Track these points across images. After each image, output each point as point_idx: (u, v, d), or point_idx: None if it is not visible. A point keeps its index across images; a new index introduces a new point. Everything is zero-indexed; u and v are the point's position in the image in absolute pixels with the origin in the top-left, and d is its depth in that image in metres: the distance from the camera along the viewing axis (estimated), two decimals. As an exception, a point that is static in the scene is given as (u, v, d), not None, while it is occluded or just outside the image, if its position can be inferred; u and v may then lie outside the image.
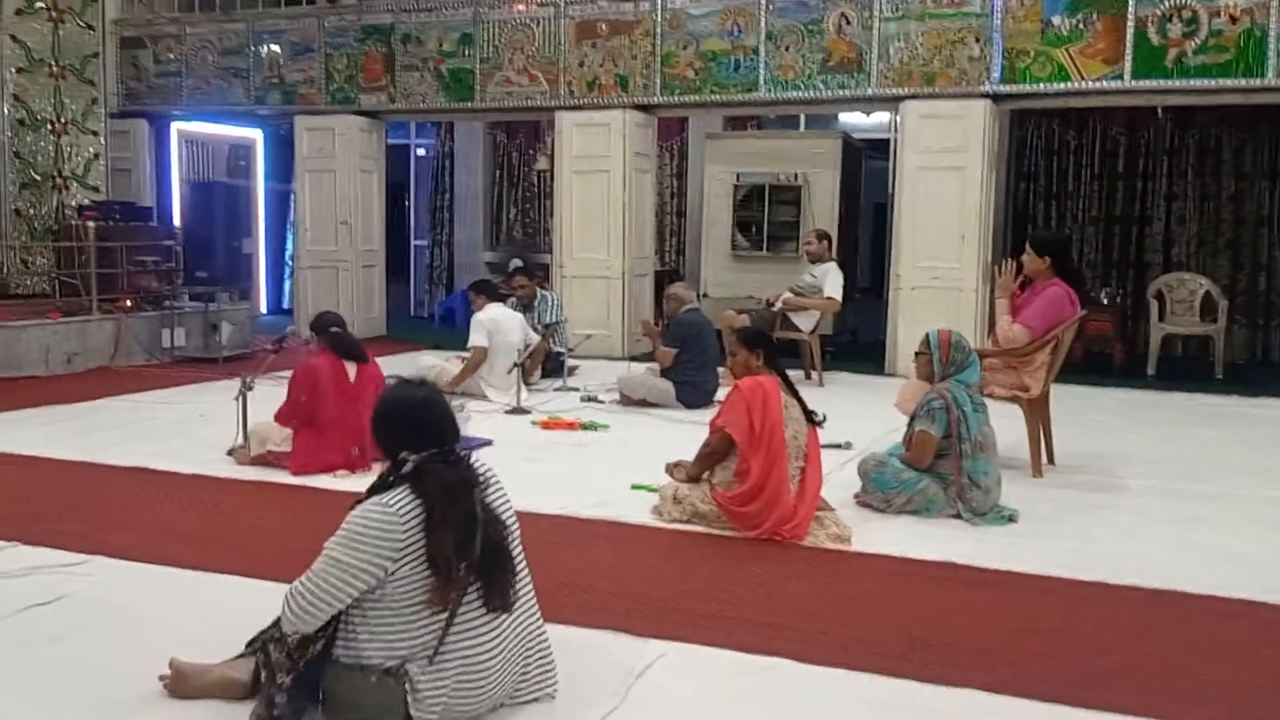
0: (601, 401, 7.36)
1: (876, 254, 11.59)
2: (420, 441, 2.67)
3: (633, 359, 9.59)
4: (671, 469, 4.78)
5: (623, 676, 2.99)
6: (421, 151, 13.65)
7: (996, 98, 8.73)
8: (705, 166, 10.50)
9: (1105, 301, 9.70)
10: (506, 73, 10.25)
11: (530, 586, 2.82)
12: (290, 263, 13.32)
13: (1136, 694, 2.94)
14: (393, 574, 2.56)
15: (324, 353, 5.46)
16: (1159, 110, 9.96)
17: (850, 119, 12.40)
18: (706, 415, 6.92)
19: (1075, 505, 4.94)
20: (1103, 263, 10.92)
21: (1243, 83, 8.06)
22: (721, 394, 7.38)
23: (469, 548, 2.59)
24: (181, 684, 2.79)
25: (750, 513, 4.31)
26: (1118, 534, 4.50)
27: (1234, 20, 8.01)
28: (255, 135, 12.83)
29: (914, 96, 8.83)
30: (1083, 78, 8.49)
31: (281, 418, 5.40)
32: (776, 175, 10.00)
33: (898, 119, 9.27)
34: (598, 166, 9.79)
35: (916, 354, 5.01)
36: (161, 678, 2.82)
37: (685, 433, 6.35)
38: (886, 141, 11.93)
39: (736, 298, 9.58)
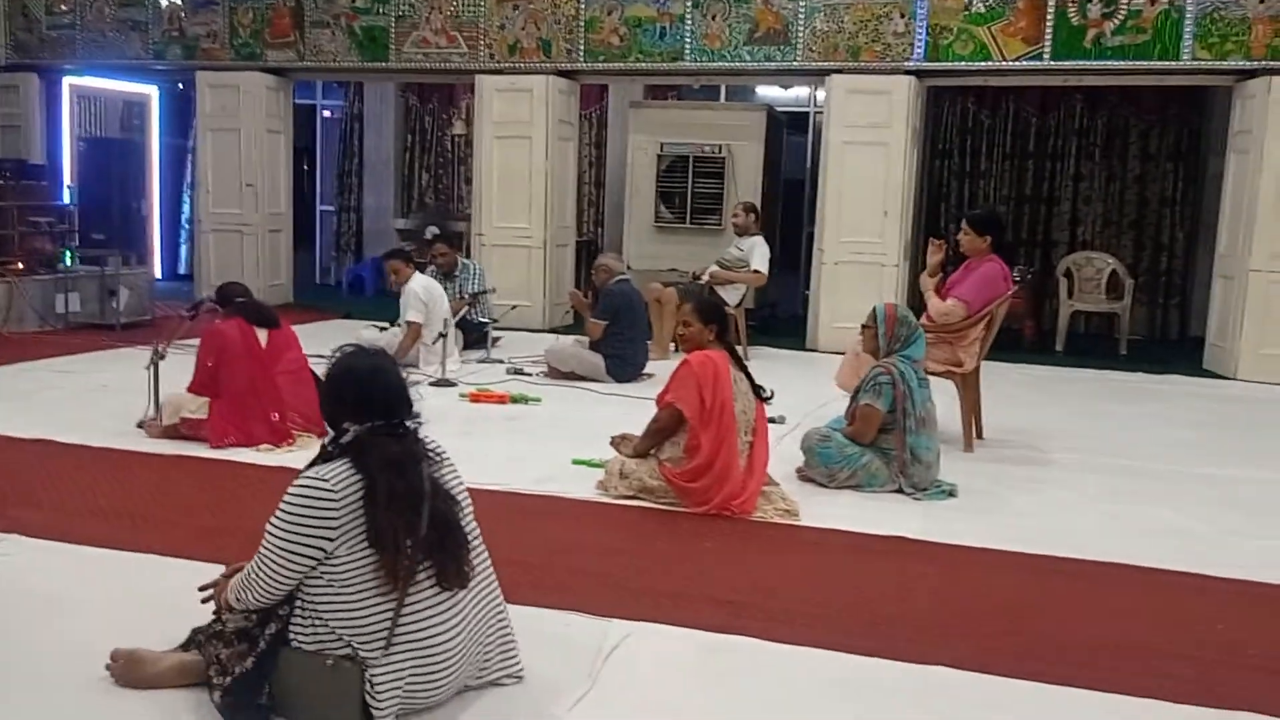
0: (528, 374, 7.21)
1: (789, 228, 11.59)
2: (367, 413, 2.52)
3: (554, 330, 9.48)
4: (616, 443, 4.67)
5: (589, 657, 2.89)
6: (328, 113, 13.18)
7: (920, 74, 8.78)
8: (629, 136, 10.34)
9: (1016, 279, 9.86)
10: (423, 32, 9.92)
11: (488, 563, 2.69)
12: (188, 226, 12.79)
13: (1098, 668, 2.96)
14: (331, 554, 2.41)
15: (232, 319, 5.21)
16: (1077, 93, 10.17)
17: (767, 92, 12.36)
18: (636, 388, 6.92)
19: (1009, 480, 5.00)
20: (1013, 240, 11.13)
21: (1158, 64, 8.24)
22: (651, 367, 7.36)
23: (415, 524, 2.44)
24: (134, 671, 2.60)
25: (700, 488, 4.24)
26: (1056, 509, 4.56)
27: (1153, 1, 8.17)
28: (150, 91, 12.21)
29: (840, 70, 8.82)
30: (1003, 56, 8.59)
31: (195, 388, 5.14)
32: (701, 147, 9.91)
33: (822, 93, 9.26)
34: (519, 133, 9.57)
35: (863, 327, 4.99)
36: (109, 665, 2.62)
37: (618, 406, 6.29)
38: (804, 115, 11.96)
39: (659, 270, 9.49)
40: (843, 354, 5.88)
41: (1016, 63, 8.57)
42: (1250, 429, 6.45)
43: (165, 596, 3.18)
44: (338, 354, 2.64)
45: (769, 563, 3.78)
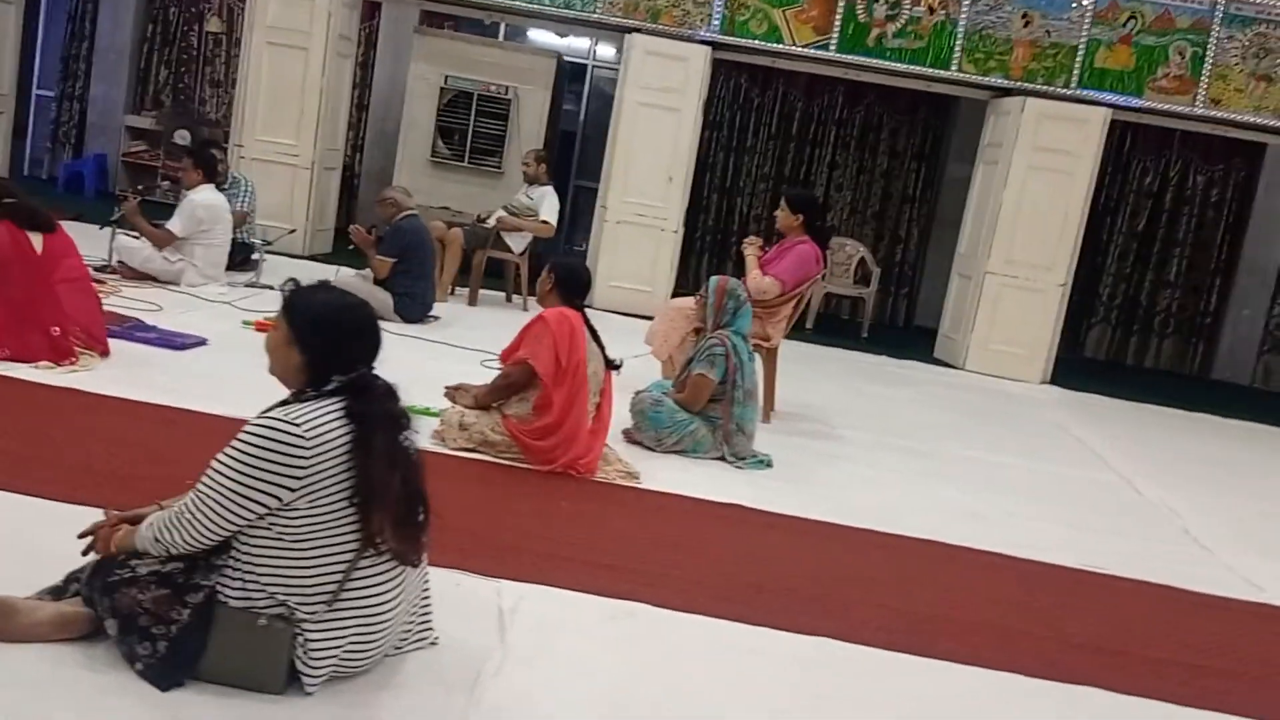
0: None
1: (558, 182, 11.54)
2: (357, 361, 2.31)
3: (314, 258, 8.97)
4: (452, 394, 4.51)
5: (492, 620, 2.81)
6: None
7: (715, 45, 8.95)
8: (411, 64, 9.88)
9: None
10: (192, -84, 9.00)
11: None
12: None
13: (957, 640, 3.21)
14: (286, 505, 2.21)
15: (1, 222, 4.57)
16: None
17: (543, 37, 12.15)
18: (427, 330, 6.70)
19: (813, 453, 5.28)
20: (768, 218, 11.63)
21: (930, 71, 8.86)
22: (439, 310, 7.14)
23: (399, 487, 2.28)
24: (6, 620, 2.26)
25: (546, 446, 4.18)
26: (862, 484, 4.87)
27: (931, 11, 8.75)
28: None
29: (640, 30, 8.84)
30: (794, 41, 8.93)
31: (-40, 294, 4.47)
32: (487, 86, 9.64)
33: (602, 48, 9.19)
34: (295, 42, 8.90)
35: (697, 297, 5.08)
36: (-29, 617, 2.26)
37: (419, 350, 6.07)
38: (581, 68, 11.89)
39: (432, 207, 9.17)
40: (639, 316, 5.96)
41: (805, 49, 8.93)
42: (988, 416, 7.15)
43: (3, 533, 2.80)
44: (296, 290, 2.37)
45: (627, 525, 3.82)
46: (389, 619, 2.36)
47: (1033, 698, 2.95)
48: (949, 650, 3.11)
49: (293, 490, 2.20)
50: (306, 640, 2.25)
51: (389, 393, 2.36)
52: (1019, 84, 8.73)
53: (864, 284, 10.30)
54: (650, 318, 8.01)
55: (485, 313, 7.89)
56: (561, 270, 4.42)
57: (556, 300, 4.34)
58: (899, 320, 11.62)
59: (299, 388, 2.32)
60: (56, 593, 2.40)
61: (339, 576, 2.27)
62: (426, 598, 2.58)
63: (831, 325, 10.32)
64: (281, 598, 2.24)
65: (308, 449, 2.20)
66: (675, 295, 8.69)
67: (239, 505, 2.19)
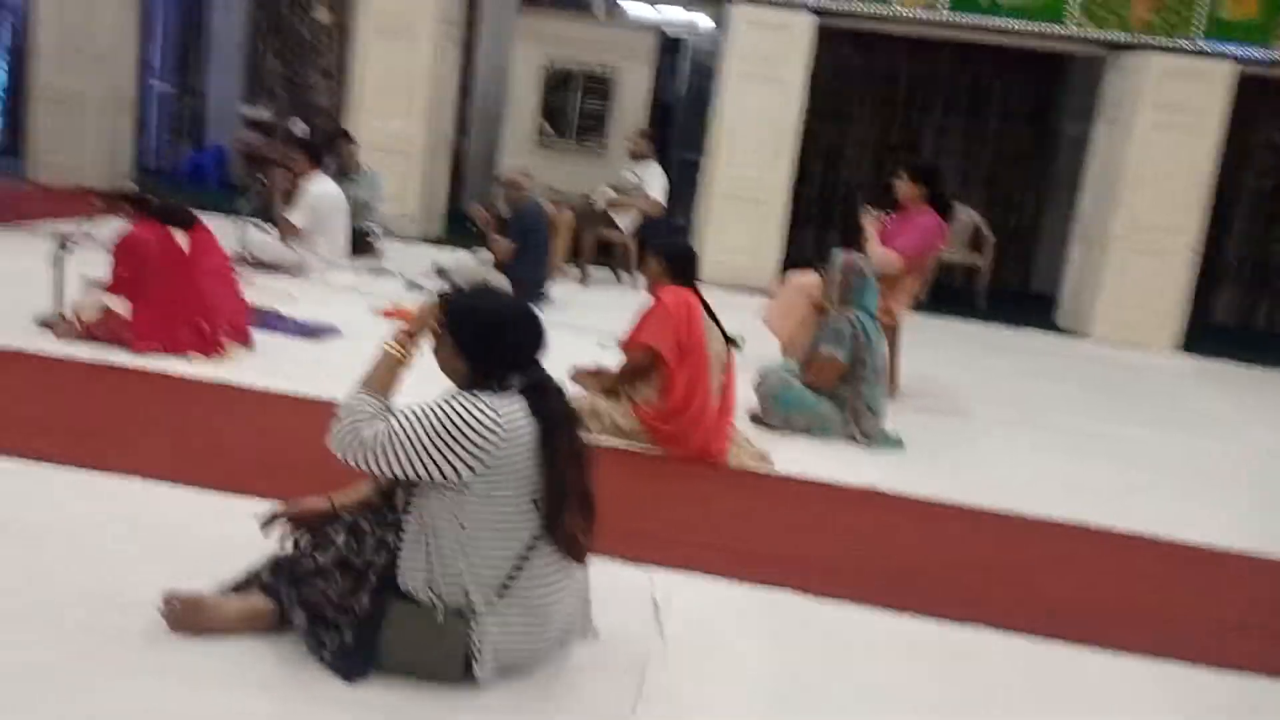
0: (427, 289, 6.91)
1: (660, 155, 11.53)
2: (529, 361, 2.37)
3: (428, 240, 9.13)
4: (581, 378, 4.55)
5: (647, 610, 2.84)
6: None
7: (820, 13, 8.81)
8: (514, 45, 9.95)
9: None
10: (300, -92, 9.17)
11: None
12: (3, 95, 11.49)
13: (1116, 628, 3.14)
14: (466, 482, 2.27)
15: (145, 222, 4.74)
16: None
17: (638, 10, 12.09)
18: (543, 312, 6.74)
19: (943, 432, 5.21)
20: (875, 186, 11.45)
21: (1043, 27, 8.58)
22: (555, 290, 7.21)
23: (579, 483, 2.35)
24: (196, 617, 2.37)
25: (675, 431, 4.21)
26: (994, 463, 4.79)
27: (1046, -32, 8.48)
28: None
29: (742, 0, 8.73)
30: (902, 5, 8.73)
31: (112, 291, 4.67)
32: (590, 65, 9.65)
33: (701, 19, 9.10)
34: (402, 30, 9.03)
35: (823, 273, 5.03)
36: (164, 609, 2.37)
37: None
38: (677, 40, 11.80)
39: (538, 187, 9.23)
40: (747, 289, 5.91)
41: (915, 11, 8.73)
42: (1119, 387, 6.95)
43: (180, 528, 2.95)
44: (454, 301, 2.43)
45: (764, 510, 3.81)
46: (557, 611, 2.41)
47: (1204, 692, 2.87)
48: (1112, 638, 3.04)
49: (476, 472, 2.26)
50: (480, 631, 2.31)
51: (560, 390, 2.40)
52: (1139, 39, 8.41)
53: (977, 251, 10.07)
54: (758, 290, 8.03)
55: (596, 292, 7.94)
56: (668, 252, 4.43)
57: (669, 283, 4.34)
58: (1015, 287, 11.33)
59: (465, 387, 2.37)
60: (239, 588, 2.50)
61: (509, 567, 2.32)
62: (588, 586, 2.62)
63: (945, 294, 10.09)
64: (456, 585, 2.30)
65: (503, 439, 2.26)
66: (782, 267, 8.65)
67: (425, 463, 2.25)
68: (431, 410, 2.28)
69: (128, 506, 3.06)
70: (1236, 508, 4.56)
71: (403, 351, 2.42)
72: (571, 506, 2.33)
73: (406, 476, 2.29)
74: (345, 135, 7.93)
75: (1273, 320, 10.93)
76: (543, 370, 2.41)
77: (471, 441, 2.24)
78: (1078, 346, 8.31)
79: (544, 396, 2.35)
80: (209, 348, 4.64)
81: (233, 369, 4.57)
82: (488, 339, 2.36)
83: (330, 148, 7.68)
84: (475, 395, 2.30)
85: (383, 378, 2.41)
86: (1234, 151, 10.50)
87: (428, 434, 2.25)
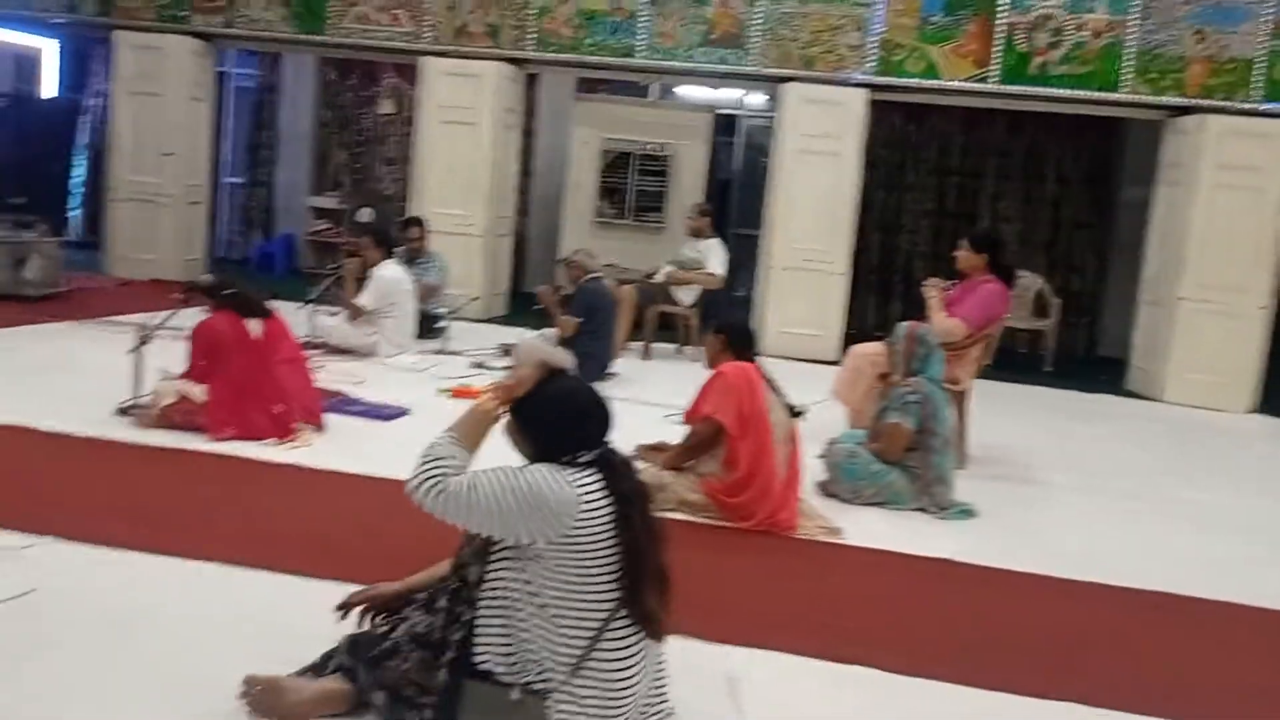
0: (493, 368, 7.01)
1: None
2: (593, 439, 2.39)
3: (491, 320, 9.27)
4: (645, 453, 4.57)
5: (723, 688, 2.82)
6: (244, 82, 12.50)
7: (872, 87, 8.90)
8: (573, 129, 10.18)
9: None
10: (364, 8, 9.53)
11: None
12: (82, 190, 11.97)
13: (1212, 705, 3.04)
14: (533, 552, 2.29)
15: (221, 312, 4.90)
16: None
17: (694, 91, 12.29)
18: (605, 389, 6.77)
19: (1015, 500, 5.12)
20: (932, 254, 11.43)
21: (1098, 95, 8.59)
22: (615, 366, 7.26)
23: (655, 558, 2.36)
24: (275, 700, 2.40)
25: (742, 503, 4.20)
26: (1073, 531, 4.69)
27: (1097, 35, 8.51)
28: (44, 44, 11.35)
29: (794, 79, 8.87)
30: (952, 76, 8.80)
31: (191, 378, 4.81)
32: (645, 145, 9.83)
33: (752, 97, 9.22)
34: (464, 119, 9.27)
35: (886, 344, 5.03)
36: (243, 694, 2.41)
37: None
38: (731, 118, 11.97)
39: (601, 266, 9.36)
40: (813, 361, 5.89)
41: (965, 83, 8.79)
42: (1196, 451, 6.79)
43: (257, 612, 3.01)
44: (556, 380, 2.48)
45: (836, 584, 3.77)
46: (633, 689, 2.40)
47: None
48: (1202, 713, 2.95)
49: (547, 540, 2.28)
50: (556, 709, 2.31)
51: (631, 465, 2.42)
52: (1196, 101, 8.37)
53: (1042, 316, 9.96)
54: (824, 361, 8.02)
55: (660, 366, 7.98)
56: (730, 331, 4.48)
57: (730, 359, 4.37)
58: (1081, 351, 11.18)
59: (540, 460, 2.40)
60: (317, 669, 2.52)
61: (585, 644, 2.32)
62: (661, 667, 2.60)
63: (1010, 359, 9.96)
64: (533, 661, 2.31)
65: (575, 509, 2.29)
66: (846, 337, 8.63)
67: (502, 523, 2.26)
68: (515, 473, 2.30)
69: (206, 591, 3.12)
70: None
71: (499, 410, 2.43)
72: (649, 583, 2.33)
73: (481, 532, 2.31)
74: (417, 222, 8.14)
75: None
76: (611, 448, 2.43)
77: (550, 511, 2.26)
78: (1150, 409, 8.15)
79: (615, 472, 2.37)
80: (283, 432, 4.74)
81: (306, 453, 4.65)
82: (555, 424, 2.41)
83: (403, 233, 7.90)
84: (557, 468, 2.32)
85: (472, 431, 2.40)
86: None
87: (511, 494, 2.26)
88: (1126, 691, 3.05)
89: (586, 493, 2.31)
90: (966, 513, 4.72)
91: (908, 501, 4.71)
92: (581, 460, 2.36)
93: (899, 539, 4.28)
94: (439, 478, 2.29)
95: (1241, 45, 8.31)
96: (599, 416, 2.44)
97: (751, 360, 4.45)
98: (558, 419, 2.40)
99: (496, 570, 2.35)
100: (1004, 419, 7.00)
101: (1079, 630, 3.56)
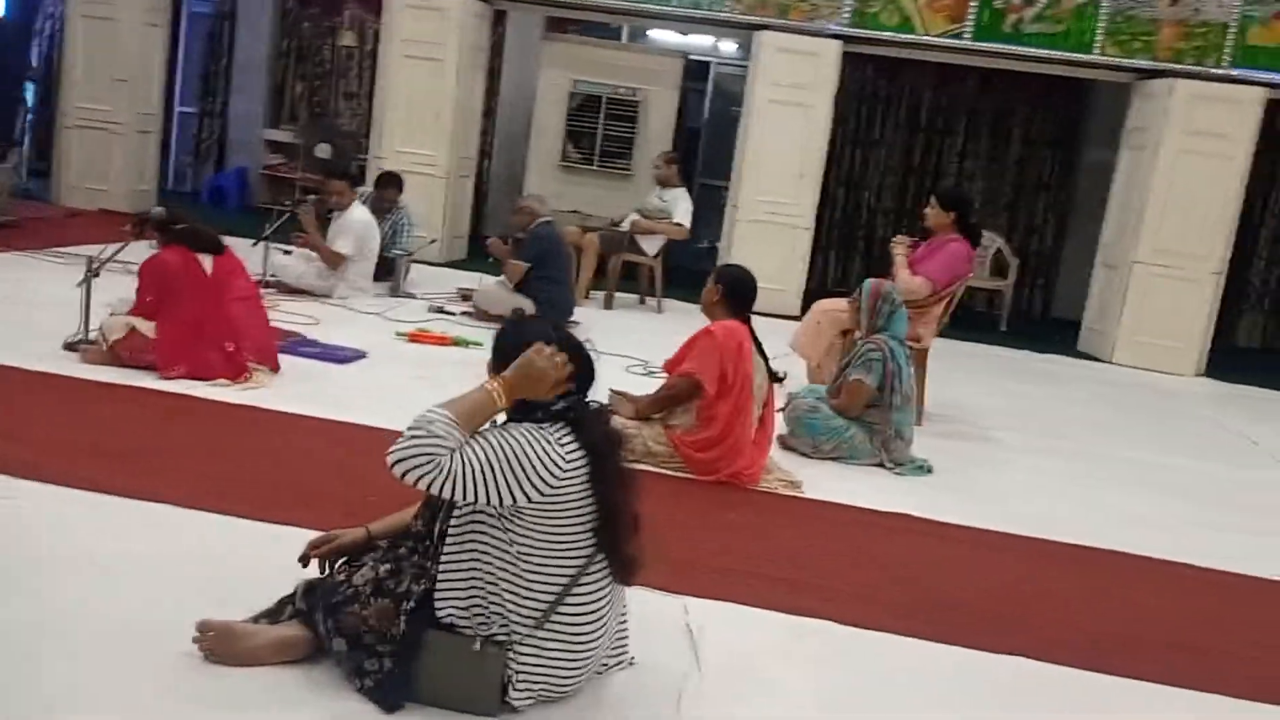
0: (452, 314, 6.93)
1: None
2: (577, 388, 2.36)
3: (452, 265, 9.15)
4: (615, 398, 4.53)
5: (683, 639, 2.82)
6: (200, 7, 12.12)
7: (846, 39, 8.82)
8: (540, 70, 10.00)
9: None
10: (328, -64, 9.26)
11: None
12: (31, 117, 11.59)
13: (1153, 659, 3.10)
14: (518, 511, 2.25)
15: (172, 247, 4.77)
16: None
17: (664, 36, 12.12)
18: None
19: (971, 458, 5.17)
20: (896, 211, 11.43)
21: (1070, 55, 8.58)
22: (577, 314, 7.21)
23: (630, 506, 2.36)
24: (230, 645, 2.36)
25: (710, 459, 4.19)
26: (1027, 490, 4.74)
27: (1071, -5, 8.48)
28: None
29: (768, 27, 8.76)
30: (926, 31, 8.75)
31: (136, 313, 4.69)
32: (615, 88, 9.70)
33: (724, 44, 9.09)
34: (429, 54, 9.06)
35: (850, 300, 5.02)
36: (197, 639, 2.36)
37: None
38: (704, 65, 11.82)
39: (561, 210, 9.24)
40: (774, 315, 5.90)
41: (939, 38, 8.74)
42: (1144, 412, 6.90)
43: (214, 556, 2.95)
44: (504, 329, 2.43)
45: (796, 537, 3.79)
46: (597, 640, 2.39)
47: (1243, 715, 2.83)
48: (1147, 670, 3.00)
49: (531, 500, 2.25)
50: (518, 660, 2.30)
51: (603, 413, 2.39)
52: (1166, 65, 8.39)
53: (1000, 276, 10.03)
54: (784, 316, 8.01)
55: (622, 316, 7.94)
56: (730, 280, 4.39)
57: (724, 312, 4.32)
58: (1036, 312, 11.28)
59: (511, 417, 2.36)
60: (272, 615, 2.48)
61: (554, 596, 2.31)
62: (624, 618, 2.60)
63: (967, 319, 10.01)
64: (498, 614, 2.29)
65: (562, 471, 2.26)
66: (807, 292, 8.64)
67: (491, 492, 2.21)
68: (501, 442, 2.25)
69: (157, 533, 3.06)
70: (1272, 534, 4.50)
71: (504, 401, 2.32)
72: (624, 530, 2.32)
73: (469, 501, 2.26)
74: (397, 183, 7.85)
75: (1298, 346, 10.85)
76: (587, 400, 2.40)
77: (536, 473, 2.23)
78: (1101, 371, 8.27)
79: (592, 423, 2.33)
80: (236, 372, 4.65)
81: (261, 393, 4.57)
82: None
83: (380, 190, 7.70)
84: (540, 428, 2.29)
85: (474, 418, 2.29)
86: (1256, 174, 10.50)
87: (499, 464, 2.21)
88: (1071, 646, 3.09)
89: (568, 451, 2.28)
90: (923, 469, 4.75)
91: (866, 457, 4.73)
92: (555, 409, 2.32)
93: (857, 493, 4.30)
94: (430, 456, 2.18)
95: (1215, 9, 8.32)
96: (584, 368, 2.40)
97: (746, 317, 4.39)
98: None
99: (464, 524, 2.32)
100: (959, 377, 7.05)
101: (1028, 585, 3.62)
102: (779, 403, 4.82)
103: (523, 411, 2.34)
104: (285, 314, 6.04)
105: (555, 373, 2.31)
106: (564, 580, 2.31)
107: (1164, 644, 3.26)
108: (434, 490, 2.24)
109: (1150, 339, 8.41)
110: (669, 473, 4.22)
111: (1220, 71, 8.31)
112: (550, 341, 2.35)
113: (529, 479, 2.23)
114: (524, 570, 2.29)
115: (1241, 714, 2.88)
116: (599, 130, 9.74)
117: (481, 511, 2.30)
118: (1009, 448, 5.45)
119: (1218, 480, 5.34)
